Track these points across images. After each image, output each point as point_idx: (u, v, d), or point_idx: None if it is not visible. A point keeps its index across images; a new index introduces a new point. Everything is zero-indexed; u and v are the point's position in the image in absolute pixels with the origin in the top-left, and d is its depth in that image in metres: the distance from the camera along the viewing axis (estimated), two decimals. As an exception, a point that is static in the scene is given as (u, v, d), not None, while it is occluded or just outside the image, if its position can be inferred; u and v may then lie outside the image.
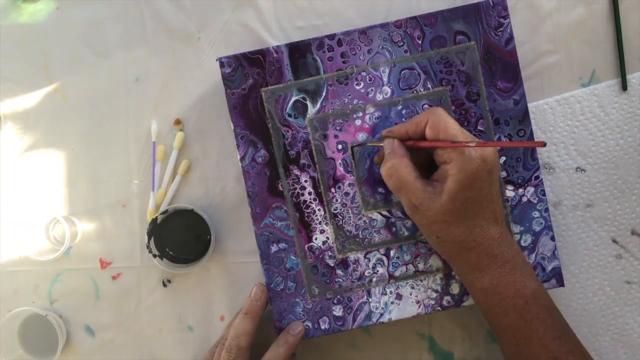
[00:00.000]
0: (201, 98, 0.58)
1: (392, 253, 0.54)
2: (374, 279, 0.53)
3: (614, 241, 0.57)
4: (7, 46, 0.58)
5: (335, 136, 0.53)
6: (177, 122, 0.58)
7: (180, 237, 0.57)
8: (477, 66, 0.53)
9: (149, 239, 0.55)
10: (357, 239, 0.54)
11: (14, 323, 0.57)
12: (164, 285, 0.58)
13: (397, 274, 0.53)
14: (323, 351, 0.58)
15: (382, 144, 0.51)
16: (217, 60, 0.53)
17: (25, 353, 0.57)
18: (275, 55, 0.53)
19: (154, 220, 0.55)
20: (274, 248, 0.53)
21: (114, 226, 0.58)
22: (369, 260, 0.53)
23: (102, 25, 0.58)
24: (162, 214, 0.55)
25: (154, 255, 0.55)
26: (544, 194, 0.53)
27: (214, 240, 0.55)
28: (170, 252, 0.57)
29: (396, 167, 0.48)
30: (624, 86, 0.57)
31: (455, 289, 0.53)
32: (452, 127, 0.47)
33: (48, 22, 0.58)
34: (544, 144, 0.41)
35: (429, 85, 0.53)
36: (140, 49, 0.58)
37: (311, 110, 0.53)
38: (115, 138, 0.58)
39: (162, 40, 0.58)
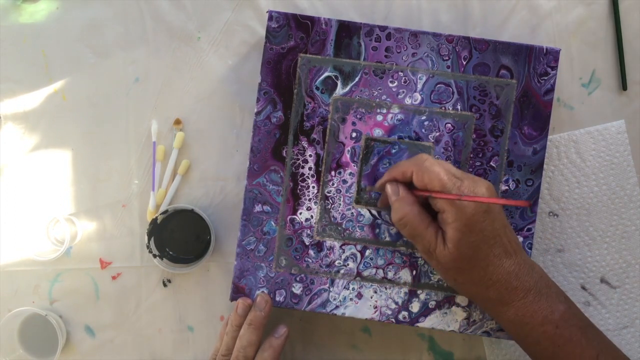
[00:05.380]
0: (201, 98, 0.58)
1: (367, 252, 0.54)
2: (342, 271, 0.54)
3: (583, 288, 0.57)
4: (7, 46, 0.58)
5: (353, 123, 0.54)
6: (177, 122, 0.58)
7: (180, 237, 0.57)
8: (510, 104, 0.53)
9: (149, 239, 0.55)
10: (339, 228, 0.54)
11: (14, 323, 0.57)
12: (164, 285, 0.58)
13: (365, 273, 0.54)
14: (323, 351, 0.58)
15: (373, 189, 0.52)
16: (267, 12, 0.53)
17: (25, 353, 0.57)
18: (323, 26, 0.53)
19: (154, 220, 0.55)
20: (257, 208, 0.54)
21: (114, 226, 0.58)
22: (343, 252, 0.54)
23: (102, 25, 0.58)
24: (162, 214, 0.55)
25: (154, 255, 0.55)
26: (531, 247, 0.53)
27: (214, 240, 0.55)
28: (170, 252, 0.57)
29: (409, 216, 0.48)
30: (624, 86, 0.57)
31: (415, 307, 0.53)
32: (437, 177, 0.46)
33: (48, 22, 0.58)
34: (529, 204, 0.42)
35: (459, 107, 0.53)
36: (140, 49, 0.58)
37: (339, 90, 0.54)
38: (115, 138, 0.58)
39: (162, 40, 0.58)
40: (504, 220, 0.48)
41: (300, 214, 0.54)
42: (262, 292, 0.53)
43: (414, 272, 0.54)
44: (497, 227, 0.47)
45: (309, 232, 0.54)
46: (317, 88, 0.54)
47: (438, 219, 0.48)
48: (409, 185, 0.49)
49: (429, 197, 0.48)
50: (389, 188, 0.50)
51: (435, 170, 0.47)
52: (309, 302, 0.54)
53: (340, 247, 0.54)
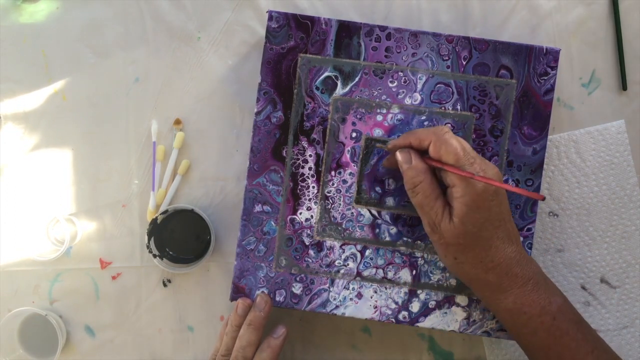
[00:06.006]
0: (201, 98, 0.58)
1: (367, 252, 0.54)
2: (342, 271, 0.54)
3: (583, 288, 0.57)
4: (7, 46, 0.58)
5: (353, 123, 0.54)
6: (177, 122, 0.58)
7: (180, 237, 0.57)
8: (510, 104, 0.53)
9: (149, 239, 0.55)
10: (339, 228, 0.54)
11: (14, 323, 0.57)
12: (164, 285, 0.58)
13: (365, 273, 0.54)
14: (323, 351, 0.58)
15: (384, 147, 0.52)
16: (267, 12, 0.53)
17: (25, 353, 0.57)
18: (323, 26, 0.53)
19: (154, 220, 0.55)
20: (257, 208, 0.54)
21: (114, 226, 0.58)
22: (343, 252, 0.54)
23: (102, 25, 0.58)
24: (162, 214, 0.55)
25: (154, 255, 0.55)
26: (531, 247, 0.53)
27: (214, 240, 0.55)
28: (170, 252, 0.57)
29: (423, 184, 0.48)
30: (624, 86, 0.57)
31: (415, 307, 0.53)
32: (453, 151, 0.46)
33: (48, 22, 0.58)
34: (542, 198, 0.42)
35: (458, 107, 0.53)
36: (140, 49, 0.58)
37: (339, 90, 0.54)
38: (115, 138, 0.58)
39: (162, 40, 0.58)
40: (508, 207, 0.48)
41: (300, 214, 0.54)
42: (262, 292, 0.53)
43: (414, 272, 0.54)
44: (503, 211, 0.47)
45: (309, 232, 0.54)
46: (317, 88, 0.54)
47: (447, 194, 0.48)
48: (421, 153, 0.49)
49: (440, 170, 0.48)
50: (399, 155, 0.49)
51: (454, 144, 0.46)
52: (309, 302, 0.54)
53: (340, 247, 0.54)
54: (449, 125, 0.53)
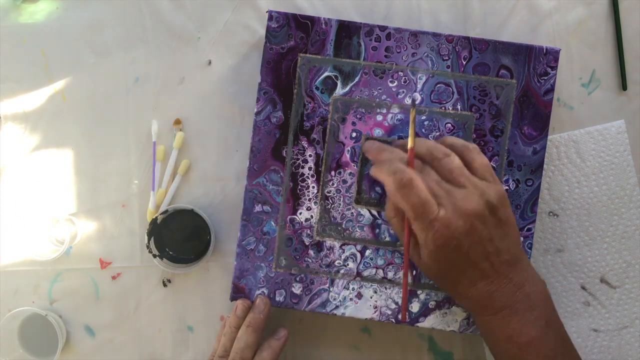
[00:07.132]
0: (201, 98, 0.58)
1: (367, 252, 0.54)
2: (342, 271, 0.54)
3: (583, 288, 0.57)
4: (7, 46, 0.58)
5: (353, 123, 0.54)
6: (177, 122, 0.58)
7: (180, 237, 0.57)
8: (510, 104, 0.53)
9: (149, 239, 0.55)
10: (339, 228, 0.54)
11: (14, 323, 0.57)
12: (164, 285, 0.58)
13: (365, 273, 0.54)
14: (323, 351, 0.58)
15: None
16: (267, 12, 0.53)
17: (25, 353, 0.57)
18: (323, 26, 0.53)
19: (154, 220, 0.55)
20: (257, 208, 0.54)
21: (114, 226, 0.58)
22: (343, 252, 0.54)
23: (102, 25, 0.58)
24: (162, 214, 0.55)
25: (154, 255, 0.55)
26: (531, 247, 0.53)
27: (214, 240, 0.55)
28: (170, 252, 0.57)
29: (394, 221, 0.50)
30: (624, 86, 0.57)
31: (414, 307, 0.54)
32: (410, 207, 0.45)
33: (48, 22, 0.58)
34: (405, 321, 0.50)
35: (459, 107, 0.53)
36: (140, 49, 0.58)
37: (339, 90, 0.54)
38: (115, 138, 0.58)
39: (162, 40, 0.58)
40: (489, 246, 0.46)
41: (300, 214, 0.54)
42: (262, 294, 0.53)
43: (414, 272, 0.54)
44: (474, 255, 0.45)
45: (308, 232, 0.54)
46: (317, 88, 0.54)
47: None
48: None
49: None
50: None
51: (411, 199, 0.45)
52: (309, 302, 0.54)
53: (340, 247, 0.54)
54: (449, 125, 0.53)
